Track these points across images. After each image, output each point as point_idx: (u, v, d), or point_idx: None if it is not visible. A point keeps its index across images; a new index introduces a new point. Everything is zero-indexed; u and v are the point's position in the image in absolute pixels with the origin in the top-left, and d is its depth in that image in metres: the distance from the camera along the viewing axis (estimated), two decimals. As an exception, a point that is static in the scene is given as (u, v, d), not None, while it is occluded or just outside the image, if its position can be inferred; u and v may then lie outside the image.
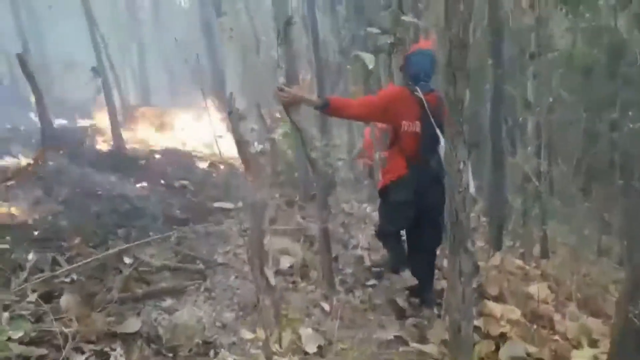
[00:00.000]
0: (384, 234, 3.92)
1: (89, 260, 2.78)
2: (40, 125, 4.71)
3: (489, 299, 4.93)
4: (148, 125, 7.79)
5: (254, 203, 2.66)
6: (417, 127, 3.28)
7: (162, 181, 5.48)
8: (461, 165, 2.04)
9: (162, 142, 7.21)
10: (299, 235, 5.20)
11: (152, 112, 8.19)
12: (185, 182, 5.60)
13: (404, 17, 6.84)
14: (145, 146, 6.75)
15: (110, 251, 3.12)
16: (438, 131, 3.12)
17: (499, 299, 5.03)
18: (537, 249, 9.31)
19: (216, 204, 5.26)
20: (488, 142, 9.75)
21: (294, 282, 3.99)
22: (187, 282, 3.54)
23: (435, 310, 4.49)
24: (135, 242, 3.58)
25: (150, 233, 4.14)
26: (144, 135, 7.19)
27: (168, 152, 6.83)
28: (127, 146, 6.52)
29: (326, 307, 3.77)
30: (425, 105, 3.20)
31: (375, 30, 6.66)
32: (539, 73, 8.35)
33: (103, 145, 6.16)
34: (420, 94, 3.24)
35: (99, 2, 9.36)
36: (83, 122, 7.55)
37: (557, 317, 5.11)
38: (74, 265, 2.83)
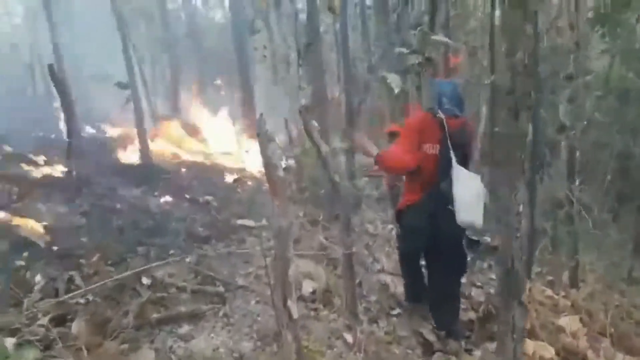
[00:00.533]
0: (402, 258, 3.87)
1: (104, 282, 2.67)
2: (67, 135, 4.68)
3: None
4: (176, 138, 7.77)
5: (279, 229, 2.52)
6: (436, 149, 3.27)
7: (187, 196, 5.39)
8: (520, 208, 1.85)
9: (188, 155, 7.16)
10: (322, 257, 5.05)
11: (181, 125, 8.18)
12: (209, 198, 5.50)
13: (433, 37, 6.68)
14: (171, 158, 6.70)
15: (128, 272, 3.01)
16: (452, 154, 3.16)
17: (530, 333, 4.78)
18: (565, 277, 8.95)
19: (239, 221, 5.14)
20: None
21: (315, 310, 3.83)
22: (206, 306, 3.42)
23: (463, 344, 4.27)
24: (155, 263, 3.46)
25: (171, 251, 4.03)
26: (171, 148, 7.15)
27: (194, 165, 6.77)
28: (153, 157, 6.49)
29: (349, 338, 3.59)
30: (446, 127, 3.20)
31: (404, 50, 6.51)
32: (575, 96, 8.10)
33: (129, 156, 6.12)
34: (442, 116, 3.25)
35: (134, 17, 9.51)
36: (111, 132, 7.58)
37: (590, 354, 4.82)
38: (89, 287, 2.73)
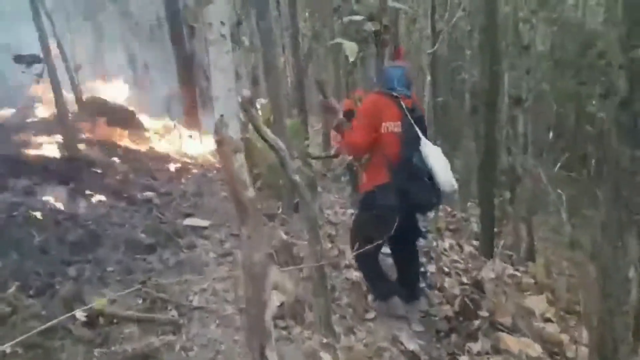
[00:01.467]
0: (365, 249, 3.34)
1: (28, 334, 2.01)
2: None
3: (500, 330, 4.43)
4: (109, 122, 6.84)
5: (251, 266, 1.96)
6: (398, 127, 3.39)
7: (124, 194, 4.65)
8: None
9: (124, 142, 6.28)
10: (285, 256, 4.53)
11: (115, 108, 7.23)
12: (150, 195, 4.78)
13: (391, 3, 6.17)
14: (104, 148, 5.85)
15: (62, 317, 2.36)
16: (418, 130, 3.41)
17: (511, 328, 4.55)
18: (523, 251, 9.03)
19: (187, 221, 4.50)
20: (476, 140, 9.27)
21: (286, 328, 3.33)
22: (158, 338, 2.83)
23: (445, 349, 3.97)
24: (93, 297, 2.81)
25: (109, 268, 3.37)
26: (103, 134, 6.25)
27: (128, 154, 5.95)
28: (81, 147, 5.62)
29: (327, 358, 3.16)
30: (404, 106, 3.41)
31: (358, 17, 5.97)
32: (531, 67, 7.90)
33: (48, 147, 5.23)
34: (398, 95, 3.43)
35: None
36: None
37: (565, 339, 4.69)
38: (6, 345, 2.07)
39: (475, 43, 13.45)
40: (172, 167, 6.08)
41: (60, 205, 3.91)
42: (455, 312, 4.59)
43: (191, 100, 9.17)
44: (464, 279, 5.03)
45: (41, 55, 5.10)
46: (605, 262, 1.67)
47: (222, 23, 1.85)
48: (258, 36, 5.31)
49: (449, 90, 18.93)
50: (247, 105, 2.87)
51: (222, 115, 1.87)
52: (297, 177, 3.07)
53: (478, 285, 5.01)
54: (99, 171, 4.95)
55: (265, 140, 2.97)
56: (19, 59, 5.97)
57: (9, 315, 2.58)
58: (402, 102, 3.40)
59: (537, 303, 5.58)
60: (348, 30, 6.86)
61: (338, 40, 6.53)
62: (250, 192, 1.93)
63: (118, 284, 3.26)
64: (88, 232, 3.66)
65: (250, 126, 6.13)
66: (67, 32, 7.30)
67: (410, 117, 3.39)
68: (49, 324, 2.32)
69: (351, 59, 6.75)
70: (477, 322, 4.38)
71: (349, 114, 3.79)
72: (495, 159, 6.74)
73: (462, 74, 14.46)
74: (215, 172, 6.39)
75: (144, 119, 8.59)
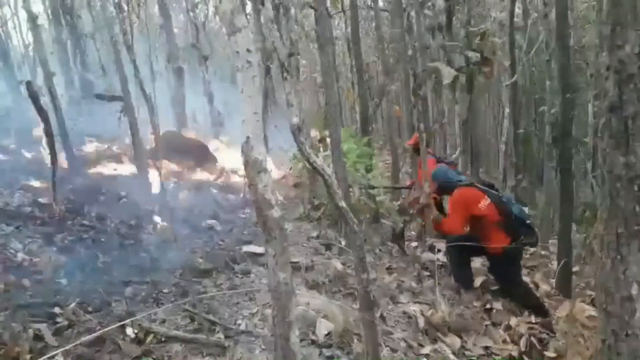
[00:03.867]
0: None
1: (77, 342, 2.15)
2: (51, 161, 4.19)
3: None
4: (182, 156, 7.28)
5: (277, 285, 1.98)
6: (487, 200, 4.77)
7: (188, 221, 4.88)
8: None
9: (196, 175, 6.64)
10: (338, 286, 4.50)
11: (189, 142, 7.70)
12: (212, 222, 4.98)
13: (492, 39, 6.08)
14: (176, 179, 6.20)
15: (110, 327, 2.49)
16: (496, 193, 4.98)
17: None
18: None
19: (245, 248, 4.62)
20: (555, 173, 8.77)
21: (331, 357, 3.27)
22: (201, 359, 2.89)
23: None
24: (143, 313, 2.94)
25: (165, 290, 3.52)
26: (176, 167, 6.65)
27: (199, 186, 6.26)
28: (154, 178, 6.01)
29: (372, 396, 3.05)
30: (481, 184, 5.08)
31: (456, 44, 5.91)
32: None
33: (127, 178, 5.64)
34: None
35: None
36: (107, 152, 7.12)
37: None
38: (55, 352, 2.22)
39: (555, 73, 12.91)
40: (239, 197, 6.30)
41: (127, 231, 4.16)
42: (520, 351, 4.29)
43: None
44: (533, 319, 4.70)
45: (121, 95, 5.58)
46: (606, 279, 1.51)
47: (249, 51, 1.94)
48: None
49: (530, 121, 18.20)
50: (295, 132, 2.94)
51: (248, 137, 1.94)
52: (343, 204, 3.08)
53: (548, 325, 4.66)
54: (168, 200, 5.23)
55: (312, 166, 3.03)
56: (99, 96, 6.53)
57: (66, 328, 2.77)
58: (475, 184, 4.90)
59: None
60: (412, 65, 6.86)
61: (432, 64, 6.56)
62: (276, 212, 1.96)
63: (172, 304, 3.38)
64: (149, 256, 3.86)
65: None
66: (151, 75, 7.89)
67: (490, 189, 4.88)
68: (97, 333, 2.46)
69: (448, 80, 6.74)
70: (545, 364, 4.07)
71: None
72: (572, 193, 6.30)
73: (543, 105, 13.84)
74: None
75: (223, 152, 9.04)
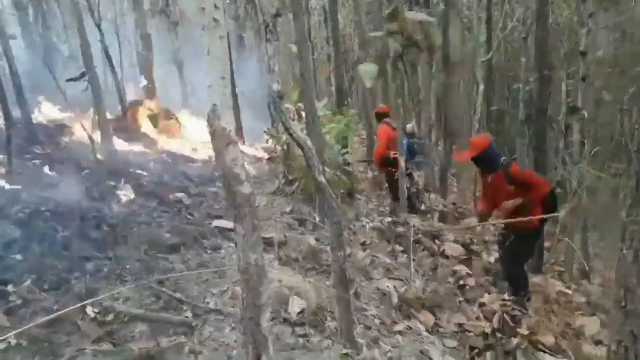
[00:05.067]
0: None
1: (30, 325, 1.96)
2: (5, 120, 3.86)
3: (541, 350, 4.09)
4: (152, 125, 6.95)
5: (246, 267, 1.83)
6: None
7: (155, 193, 4.66)
8: None
9: (165, 145, 6.33)
10: (312, 262, 4.38)
11: (158, 110, 7.36)
12: (180, 195, 4.77)
13: (408, 13, 5.69)
14: (142, 150, 5.92)
15: (69, 308, 2.30)
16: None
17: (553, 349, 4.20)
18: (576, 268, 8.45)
19: (215, 223, 4.44)
20: (527, 150, 8.80)
21: (304, 336, 3.16)
22: (167, 339, 2.74)
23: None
24: (106, 294, 2.76)
25: (128, 266, 3.33)
26: (143, 136, 6.34)
27: (167, 157, 5.99)
28: (119, 149, 5.73)
29: (346, 373, 2.97)
30: None
31: (378, 33, 5.65)
32: (587, 74, 7.40)
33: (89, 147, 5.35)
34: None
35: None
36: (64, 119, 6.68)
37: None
38: (7, 335, 2.03)
39: (531, 51, 12.92)
40: (209, 169, 6.07)
41: (89, 205, 3.92)
42: (493, 328, 4.28)
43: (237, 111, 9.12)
44: (506, 296, 4.69)
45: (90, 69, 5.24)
46: (626, 272, 1.42)
47: (216, 7, 1.74)
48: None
49: (504, 99, 18.29)
50: (276, 100, 2.76)
51: (215, 105, 1.75)
52: (323, 179, 2.93)
53: (521, 302, 4.66)
54: (134, 172, 4.99)
55: (293, 138, 2.86)
56: (71, 80, 6.17)
57: (19, 308, 2.57)
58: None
59: (588, 324, 5.16)
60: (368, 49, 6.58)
61: (360, 63, 6.26)
62: (246, 188, 1.80)
63: (136, 282, 3.21)
64: (112, 230, 3.65)
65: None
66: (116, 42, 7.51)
67: None
68: (54, 314, 2.28)
69: (368, 85, 6.48)
70: (515, 340, 4.06)
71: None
72: (546, 170, 6.31)
73: (517, 83, 13.88)
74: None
75: (192, 123, 8.73)
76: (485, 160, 4.50)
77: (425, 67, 12.90)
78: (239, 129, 8.47)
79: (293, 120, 5.36)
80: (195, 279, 3.49)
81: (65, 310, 2.36)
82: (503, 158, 4.48)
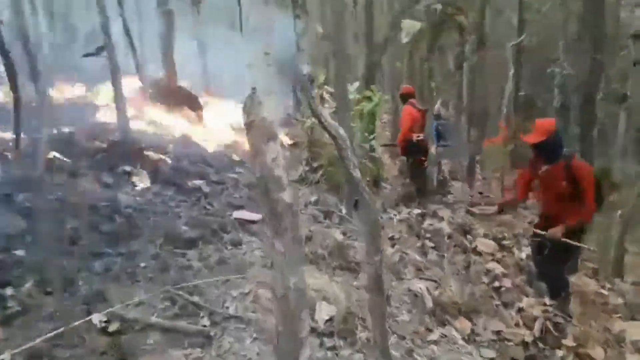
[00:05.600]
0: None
1: (28, 345, 1.68)
2: (14, 102, 3.59)
3: (593, 365, 3.74)
4: (173, 106, 6.63)
5: (285, 289, 1.49)
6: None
7: (173, 181, 4.36)
8: None
9: (183, 129, 6.00)
10: (339, 260, 4.05)
11: (178, 91, 7.03)
12: (199, 182, 4.46)
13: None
14: (160, 133, 5.62)
15: (74, 323, 2.02)
16: None
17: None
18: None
19: (236, 214, 4.13)
20: (573, 142, 8.31)
21: (333, 348, 2.85)
22: (183, 352, 2.45)
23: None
24: (120, 305, 2.47)
25: (142, 264, 3.04)
26: (162, 119, 6.03)
27: (187, 143, 5.68)
28: (136, 130, 5.43)
29: (380, 391, 2.65)
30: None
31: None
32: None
33: (104, 130, 5.06)
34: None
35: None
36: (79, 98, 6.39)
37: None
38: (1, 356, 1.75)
39: (570, 34, 12.23)
40: (232, 155, 5.74)
41: (100, 193, 3.64)
42: (534, 337, 3.92)
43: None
44: (547, 300, 4.32)
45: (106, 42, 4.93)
46: None
47: None
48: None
49: (536, 84, 17.50)
50: (306, 83, 2.43)
51: (254, 89, 1.41)
52: (358, 173, 2.59)
53: (564, 307, 4.29)
54: (151, 156, 4.69)
55: (324, 127, 2.51)
56: (88, 55, 5.90)
57: (17, 316, 2.29)
58: None
59: (629, 329, 4.80)
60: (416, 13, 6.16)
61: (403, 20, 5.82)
62: (288, 195, 1.46)
63: (149, 282, 2.92)
64: (126, 222, 3.36)
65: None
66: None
67: None
68: (56, 331, 2.00)
69: (405, 40, 6.00)
70: (560, 353, 3.72)
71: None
72: (593, 162, 5.86)
73: (551, 67, 13.20)
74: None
75: (213, 102, 8.40)
76: (548, 148, 3.98)
77: (455, 50, 12.36)
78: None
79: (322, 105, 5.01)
80: (214, 277, 3.20)
81: (70, 326, 2.06)
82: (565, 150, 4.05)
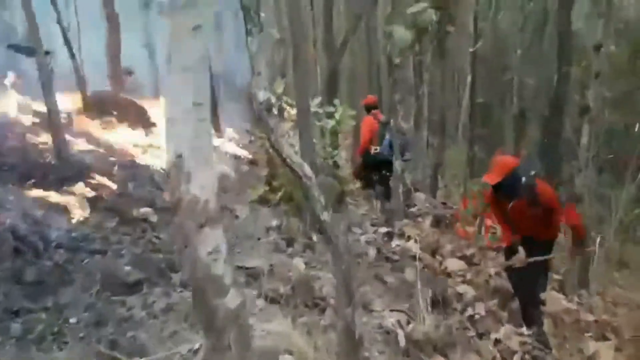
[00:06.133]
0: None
1: None
2: None
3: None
4: (119, 120, 6.09)
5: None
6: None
7: (116, 210, 3.89)
8: None
9: (130, 148, 5.46)
10: (303, 295, 3.67)
11: (123, 104, 6.48)
12: (146, 211, 4.00)
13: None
14: (103, 153, 5.10)
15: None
16: None
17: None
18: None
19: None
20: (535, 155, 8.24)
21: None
22: None
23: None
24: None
25: (71, 320, 2.58)
26: (107, 137, 5.47)
27: (134, 163, 5.17)
28: (77, 149, 4.90)
29: None
30: None
31: (423, 5, 4.97)
32: (601, 72, 6.77)
33: (35, 147, 4.51)
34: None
35: None
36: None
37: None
38: None
39: (527, 43, 12.30)
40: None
41: (27, 226, 3.14)
42: (515, 374, 3.68)
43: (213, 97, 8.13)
44: (525, 330, 4.09)
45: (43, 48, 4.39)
46: None
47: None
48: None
49: (490, 91, 17.68)
50: (262, 113, 2.09)
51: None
52: (327, 216, 2.24)
53: (542, 338, 4.07)
54: (92, 181, 4.20)
55: (287, 165, 2.15)
56: (16, 48, 5.32)
57: None
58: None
59: (602, 350, 4.69)
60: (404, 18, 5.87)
61: (392, 26, 5.52)
62: (231, 300, 1.07)
63: (81, 342, 2.46)
64: (54, 265, 2.88)
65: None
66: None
67: None
68: None
69: (396, 59, 5.74)
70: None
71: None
72: (560, 175, 5.75)
73: (507, 75, 13.28)
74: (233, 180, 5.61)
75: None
76: (509, 186, 3.82)
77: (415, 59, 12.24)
78: (215, 119, 7.67)
79: (285, 136, 4.64)
80: (160, 328, 2.77)
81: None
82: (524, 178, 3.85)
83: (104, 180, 4.32)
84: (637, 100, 9.19)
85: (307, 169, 2.15)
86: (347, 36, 9.10)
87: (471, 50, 12.76)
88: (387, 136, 6.60)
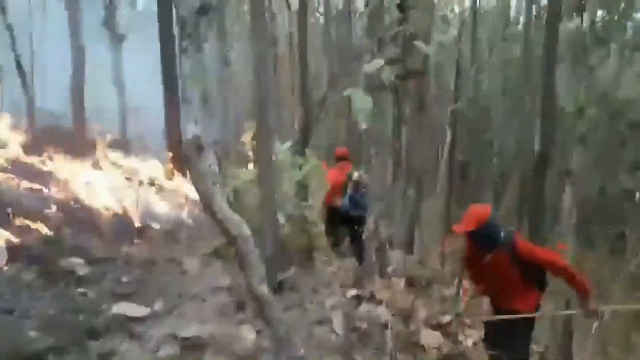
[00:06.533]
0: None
1: None
2: None
3: None
4: (66, 154, 5.58)
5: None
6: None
7: (42, 260, 3.34)
8: None
9: (74, 187, 4.92)
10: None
11: (79, 138, 5.98)
12: (75, 261, 3.46)
13: (417, 43, 5.00)
14: (41, 192, 4.56)
15: None
16: None
17: None
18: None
19: (116, 308, 3.14)
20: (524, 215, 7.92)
21: None
22: None
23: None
24: None
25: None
26: (50, 172, 4.95)
27: (76, 205, 4.62)
28: (6, 186, 4.36)
29: None
30: None
31: (380, 61, 4.73)
32: (585, 133, 6.59)
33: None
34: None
35: None
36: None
37: None
38: None
39: (508, 105, 12.31)
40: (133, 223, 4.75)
41: None
42: None
43: (176, 127, 7.20)
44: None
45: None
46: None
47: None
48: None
49: (469, 150, 17.65)
50: (192, 152, 1.66)
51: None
52: (263, 291, 1.78)
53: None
54: (18, 224, 3.66)
55: (217, 222, 1.72)
56: None
57: None
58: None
59: None
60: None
61: (349, 90, 5.23)
62: None
63: None
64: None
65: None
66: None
67: None
68: None
69: (364, 126, 5.39)
70: None
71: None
72: (544, 237, 5.40)
73: (488, 134, 13.22)
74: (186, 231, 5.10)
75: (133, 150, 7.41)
76: (484, 236, 3.44)
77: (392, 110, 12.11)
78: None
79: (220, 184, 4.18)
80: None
81: None
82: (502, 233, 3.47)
83: (35, 224, 3.76)
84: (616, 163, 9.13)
85: (244, 229, 1.70)
86: (325, 95, 8.89)
87: (451, 108, 12.75)
88: (349, 191, 6.35)
